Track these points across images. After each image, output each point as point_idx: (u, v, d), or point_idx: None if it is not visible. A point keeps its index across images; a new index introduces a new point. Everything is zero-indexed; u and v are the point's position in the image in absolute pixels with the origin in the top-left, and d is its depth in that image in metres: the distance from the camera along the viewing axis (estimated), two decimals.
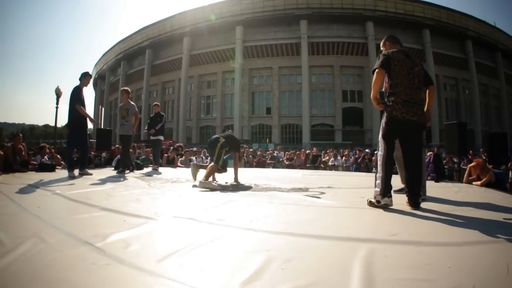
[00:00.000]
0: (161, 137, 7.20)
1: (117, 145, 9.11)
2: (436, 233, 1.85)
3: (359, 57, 37.20)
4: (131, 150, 6.65)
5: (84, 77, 5.28)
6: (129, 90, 6.57)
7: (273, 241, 1.68)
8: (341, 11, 36.17)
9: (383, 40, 3.08)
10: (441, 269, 1.26)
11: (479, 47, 39.31)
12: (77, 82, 5.28)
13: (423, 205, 2.70)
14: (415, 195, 2.67)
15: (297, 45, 37.65)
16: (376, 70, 2.68)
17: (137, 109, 6.42)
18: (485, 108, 41.75)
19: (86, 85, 5.38)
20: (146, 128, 7.26)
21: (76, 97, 5.15)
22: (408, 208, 2.60)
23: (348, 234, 1.79)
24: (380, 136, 2.78)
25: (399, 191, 3.41)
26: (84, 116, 5.23)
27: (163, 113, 7.44)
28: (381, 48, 3.08)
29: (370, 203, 2.69)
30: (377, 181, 2.69)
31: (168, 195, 3.53)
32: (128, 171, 6.10)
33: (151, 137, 7.09)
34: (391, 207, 2.60)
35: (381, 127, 2.78)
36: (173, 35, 42.02)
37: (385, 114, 2.72)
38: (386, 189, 2.60)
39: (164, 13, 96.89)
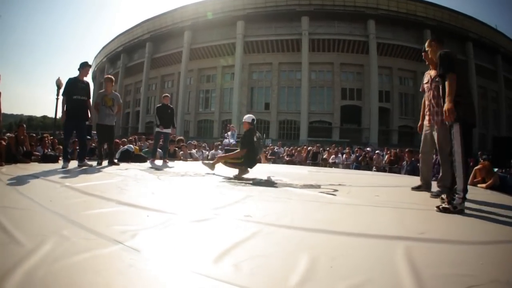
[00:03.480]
0: (170, 130, 7.08)
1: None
2: (459, 232, 1.93)
3: (360, 55, 36.83)
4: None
5: (83, 68, 5.34)
6: (113, 78, 6.29)
7: (310, 238, 1.67)
8: (343, 8, 35.73)
9: (428, 41, 3.21)
10: (476, 265, 1.33)
11: (479, 49, 39.03)
12: (76, 74, 5.34)
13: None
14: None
15: (297, 42, 37.30)
16: (450, 74, 2.49)
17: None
18: (483, 111, 41.62)
19: (85, 75, 5.46)
20: (157, 121, 6.82)
21: (65, 88, 5.23)
22: (424, 207, 2.66)
23: (379, 232, 1.81)
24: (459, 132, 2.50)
25: (416, 188, 3.62)
26: (85, 108, 5.29)
27: (172, 106, 7.33)
28: (427, 49, 3.21)
29: (444, 209, 2.41)
30: (458, 186, 2.44)
31: (182, 189, 3.46)
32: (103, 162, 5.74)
33: (159, 130, 6.82)
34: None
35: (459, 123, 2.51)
36: (174, 28, 41.48)
37: (460, 116, 2.47)
38: (465, 196, 2.45)
39: (165, 7, 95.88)
